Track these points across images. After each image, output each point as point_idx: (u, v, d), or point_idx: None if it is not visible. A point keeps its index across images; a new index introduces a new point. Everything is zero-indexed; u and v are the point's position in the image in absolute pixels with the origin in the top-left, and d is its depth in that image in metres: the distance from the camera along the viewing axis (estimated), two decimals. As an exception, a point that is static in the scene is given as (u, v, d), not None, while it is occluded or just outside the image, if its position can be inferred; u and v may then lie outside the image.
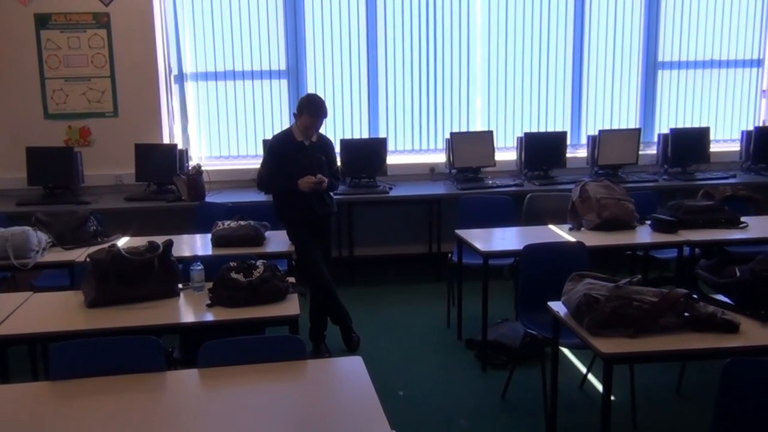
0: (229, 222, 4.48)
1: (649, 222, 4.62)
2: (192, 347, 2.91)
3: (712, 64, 6.90)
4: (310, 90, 6.42)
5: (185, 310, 3.29)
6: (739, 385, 2.31)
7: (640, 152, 6.54)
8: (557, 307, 3.13)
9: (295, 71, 6.49)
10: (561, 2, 6.62)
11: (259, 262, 3.37)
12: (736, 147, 6.79)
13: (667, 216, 4.58)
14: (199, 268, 3.43)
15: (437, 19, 6.55)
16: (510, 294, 5.04)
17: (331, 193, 4.80)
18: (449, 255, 5.17)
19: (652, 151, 6.71)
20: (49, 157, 5.99)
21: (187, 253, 4.13)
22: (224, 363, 2.60)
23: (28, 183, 5.96)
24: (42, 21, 6.04)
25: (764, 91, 7.00)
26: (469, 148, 6.35)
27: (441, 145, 6.66)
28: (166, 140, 6.31)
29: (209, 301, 3.26)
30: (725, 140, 6.97)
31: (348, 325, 4.76)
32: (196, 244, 4.56)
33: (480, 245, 4.37)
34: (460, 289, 4.90)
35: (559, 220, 4.83)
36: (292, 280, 3.43)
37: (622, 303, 2.79)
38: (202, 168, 5.92)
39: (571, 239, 4.33)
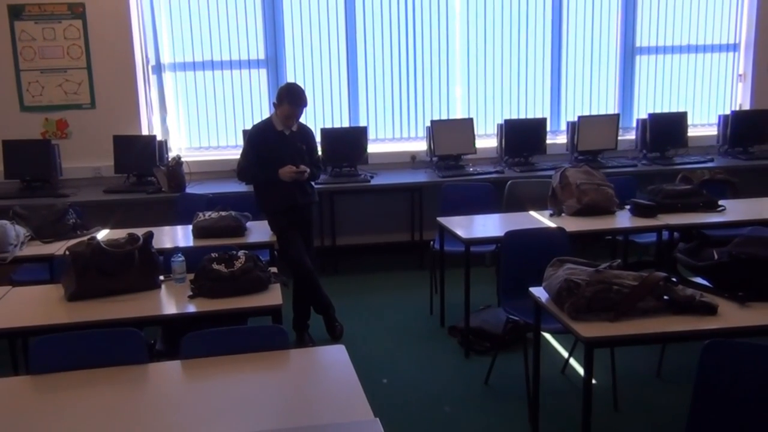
0: (209, 213, 4.46)
1: (628, 207, 4.66)
2: (174, 339, 2.90)
3: (689, 49, 6.95)
4: (290, 79, 6.39)
5: (167, 302, 3.27)
6: (717, 366, 2.34)
7: (619, 138, 6.59)
8: (538, 292, 3.16)
9: (274, 60, 6.45)
10: (539, -11, 6.64)
11: (241, 253, 3.36)
12: (713, 131, 6.85)
13: (646, 200, 4.62)
14: (180, 259, 3.42)
15: (416, 6, 6.54)
16: (492, 280, 5.07)
17: (313, 183, 4.79)
18: (431, 242, 5.18)
19: (631, 136, 6.76)
20: (26, 150, 5.93)
21: (167, 245, 4.11)
22: (207, 354, 2.60)
23: (5, 176, 5.90)
24: (16, 12, 5.95)
25: (740, 75, 7.06)
26: (450, 136, 6.36)
27: (422, 133, 6.67)
28: (144, 132, 6.25)
29: (191, 293, 3.25)
30: (702, 125, 7.03)
31: (331, 314, 4.77)
32: (177, 236, 4.54)
33: (462, 232, 4.38)
34: (443, 276, 4.91)
35: (539, 207, 4.85)
36: (274, 270, 3.43)
37: (603, 287, 2.82)
38: (182, 159, 5.87)
39: (552, 225, 4.35)
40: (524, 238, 4.01)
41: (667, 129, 6.58)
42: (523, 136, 6.45)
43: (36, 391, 2.46)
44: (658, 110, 6.88)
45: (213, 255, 3.34)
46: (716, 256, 3.07)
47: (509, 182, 5.48)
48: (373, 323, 5.02)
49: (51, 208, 4.50)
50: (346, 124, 6.61)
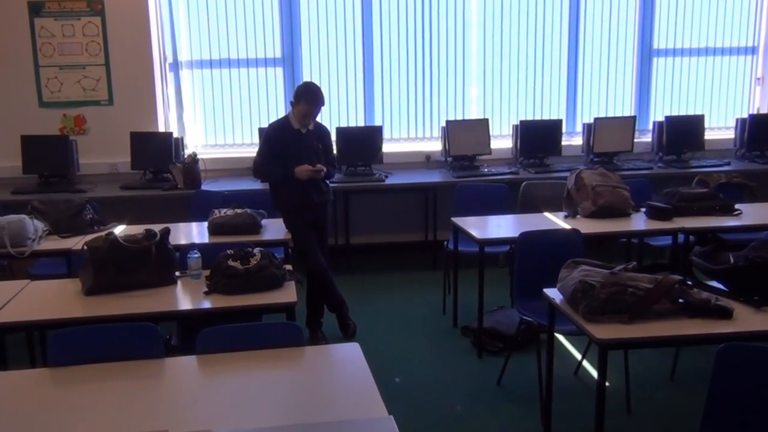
0: (225, 210, 4.48)
1: (644, 209, 4.65)
2: (190, 334, 2.93)
3: (707, 51, 6.91)
4: (306, 78, 6.40)
5: (183, 298, 3.30)
6: (732, 370, 2.33)
7: (635, 140, 6.56)
8: (553, 293, 3.15)
9: (290, 59, 6.48)
10: (557, -10, 6.63)
11: (256, 250, 3.38)
12: (730, 134, 6.81)
13: (661, 203, 4.60)
14: (196, 255, 3.44)
15: (433, 6, 6.54)
16: (505, 281, 5.06)
17: (328, 181, 4.81)
18: (445, 243, 5.19)
19: (647, 138, 6.73)
20: (44, 145, 5.98)
21: (183, 241, 4.13)
22: (222, 350, 2.61)
23: (24, 171, 5.95)
24: (36, 9, 6.01)
25: (758, 78, 7.01)
26: (465, 136, 6.36)
27: (437, 133, 6.67)
28: (161, 128, 6.30)
29: (206, 289, 3.27)
30: (720, 128, 6.99)
31: (344, 312, 4.78)
32: (193, 233, 4.57)
33: (476, 233, 4.38)
34: (456, 276, 4.91)
35: (554, 208, 4.84)
36: (289, 267, 3.45)
37: (617, 289, 2.81)
38: (198, 156, 5.91)
39: (567, 227, 4.34)
40: (539, 240, 4.00)
41: (683, 132, 6.55)
42: (538, 137, 6.44)
43: (53, 384, 2.48)
44: (674, 113, 6.84)
45: (229, 252, 3.35)
46: (732, 260, 3.06)
47: (524, 183, 5.46)
48: (386, 322, 5.03)
49: (69, 203, 4.54)
50: (361, 123, 6.63)
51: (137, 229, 3.61)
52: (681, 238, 4.51)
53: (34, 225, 4.23)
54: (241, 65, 6.45)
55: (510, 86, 6.75)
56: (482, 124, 6.45)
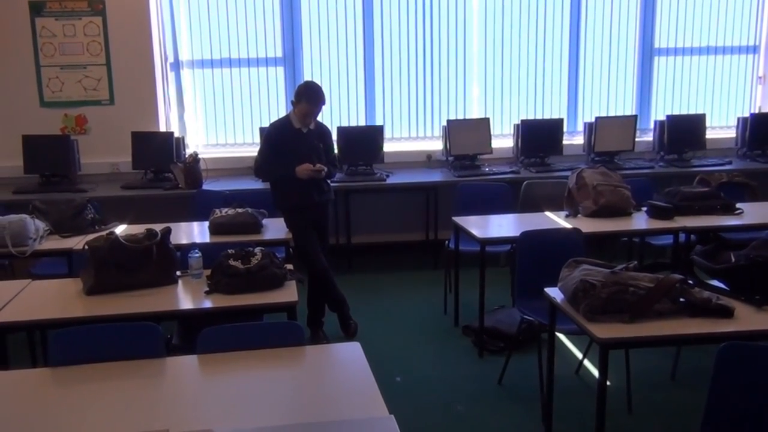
0: (226, 210, 4.49)
1: (645, 208, 4.64)
2: (190, 334, 2.93)
3: (708, 50, 6.90)
4: (307, 77, 6.40)
5: (184, 297, 3.30)
6: (733, 369, 2.33)
7: (637, 139, 6.56)
8: (554, 293, 3.15)
9: (291, 59, 6.48)
10: (558, -11, 6.63)
11: (257, 250, 3.38)
12: (732, 133, 6.80)
13: (663, 202, 4.60)
14: (197, 255, 3.44)
15: (434, 5, 6.54)
16: (506, 281, 5.06)
17: (329, 181, 4.81)
18: (446, 242, 5.19)
19: (648, 137, 6.73)
20: (45, 145, 5.98)
21: (184, 241, 4.13)
22: (223, 349, 2.62)
23: (25, 171, 5.95)
24: (37, 8, 6.01)
25: (760, 77, 7.00)
26: (466, 136, 6.36)
27: (438, 132, 6.66)
28: (162, 128, 6.30)
29: (207, 288, 3.27)
30: (721, 127, 6.98)
31: (345, 312, 4.78)
32: (194, 232, 4.57)
33: (477, 232, 4.38)
34: (457, 275, 4.91)
35: (555, 207, 4.84)
36: (290, 267, 3.45)
37: (618, 289, 2.81)
38: (199, 156, 5.91)
39: (568, 226, 4.34)
40: (540, 239, 4.00)
41: (685, 131, 6.54)
42: (539, 137, 6.43)
43: (54, 383, 2.49)
44: (676, 112, 6.84)
45: (230, 251, 3.36)
46: (733, 259, 3.05)
47: (525, 182, 5.47)
48: (387, 322, 5.04)
49: (70, 203, 4.54)
50: (362, 122, 6.62)
51: (138, 229, 3.62)
52: (682, 237, 4.50)
53: (36, 225, 4.23)
54: (242, 65, 6.45)
55: (511, 85, 6.75)
56: (483, 124, 6.45)
